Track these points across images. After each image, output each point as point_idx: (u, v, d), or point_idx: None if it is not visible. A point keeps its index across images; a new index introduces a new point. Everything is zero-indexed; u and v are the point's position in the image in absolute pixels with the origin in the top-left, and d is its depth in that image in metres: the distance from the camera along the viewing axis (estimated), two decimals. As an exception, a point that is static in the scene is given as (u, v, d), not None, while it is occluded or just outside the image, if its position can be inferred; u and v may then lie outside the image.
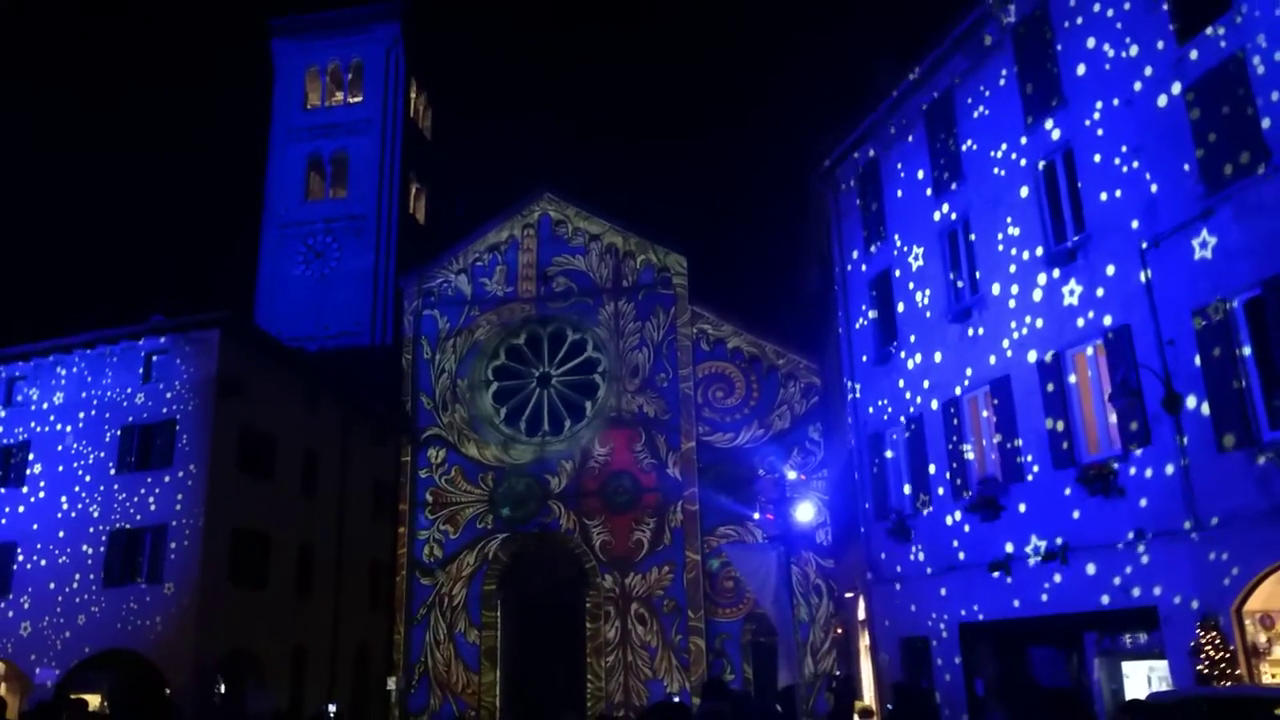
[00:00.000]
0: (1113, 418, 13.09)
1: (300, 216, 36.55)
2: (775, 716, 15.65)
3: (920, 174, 18.01)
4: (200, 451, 22.98)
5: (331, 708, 21.69)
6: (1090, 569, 13.15)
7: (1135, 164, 13.02)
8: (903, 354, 18.16)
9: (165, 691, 20.38)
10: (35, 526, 23.67)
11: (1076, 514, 13.50)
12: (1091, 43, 13.98)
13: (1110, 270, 13.31)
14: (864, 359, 19.75)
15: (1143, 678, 12.71)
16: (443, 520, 31.76)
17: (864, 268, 19.86)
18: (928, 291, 17.52)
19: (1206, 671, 10.78)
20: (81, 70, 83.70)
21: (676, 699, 26.41)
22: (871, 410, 19.34)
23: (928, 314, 17.46)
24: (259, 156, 38.02)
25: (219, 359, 23.62)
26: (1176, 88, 12.45)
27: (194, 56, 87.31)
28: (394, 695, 29.68)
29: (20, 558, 23.53)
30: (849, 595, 23.55)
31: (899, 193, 18.70)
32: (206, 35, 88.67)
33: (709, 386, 31.57)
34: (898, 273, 18.56)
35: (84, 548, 23.10)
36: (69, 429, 24.26)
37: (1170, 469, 12.03)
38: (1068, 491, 13.67)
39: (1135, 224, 12.92)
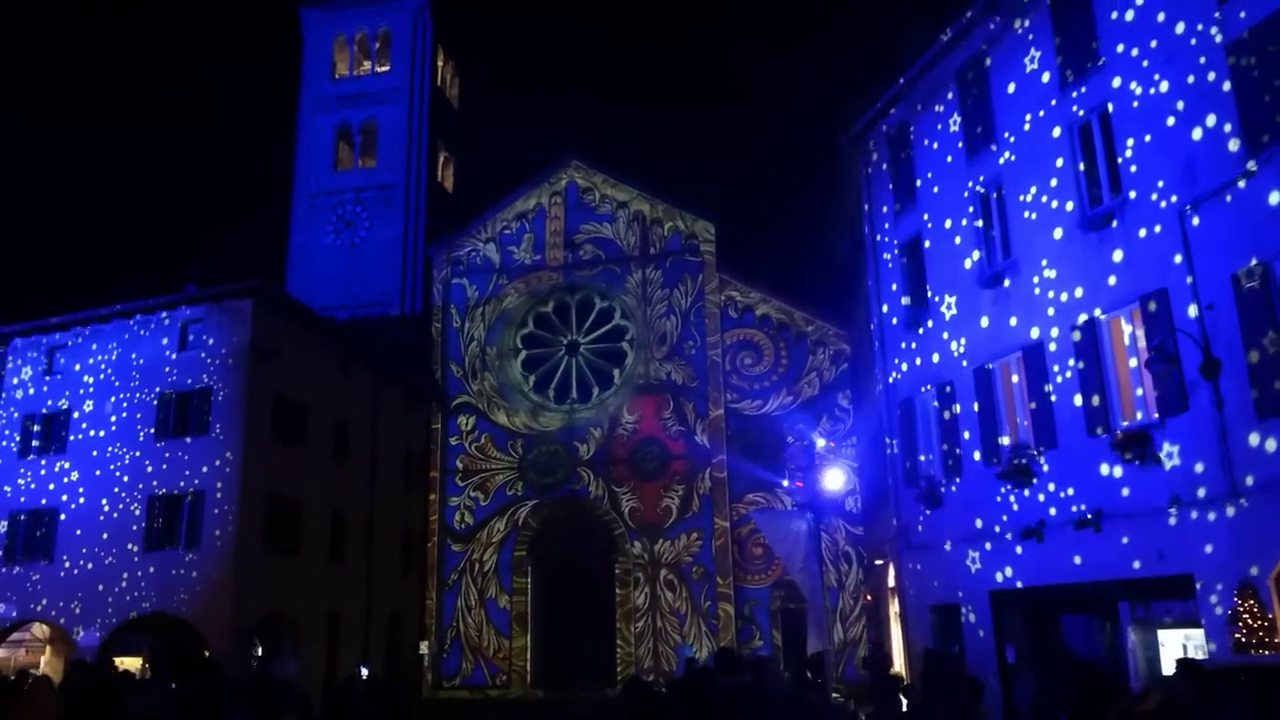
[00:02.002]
0: (1149, 384, 12.85)
1: (330, 186, 36.69)
2: (806, 684, 15.67)
3: (952, 137, 17.66)
4: (235, 419, 23.30)
5: (364, 670, 22.09)
6: (1125, 537, 12.98)
7: (1174, 124, 12.67)
8: (933, 320, 17.93)
9: (205, 654, 20.83)
10: (77, 492, 24.21)
11: (1111, 481, 13.32)
12: (1132, -2, 13.56)
13: (1147, 233, 13.00)
14: (894, 325, 19.54)
15: (1178, 646, 12.57)
16: (473, 487, 32.05)
17: (894, 232, 19.58)
18: (959, 256, 17.25)
19: (1244, 640, 10.63)
20: (114, 42, 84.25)
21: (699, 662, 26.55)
22: (901, 376, 19.16)
23: (959, 279, 17.20)
24: (288, 127, 38.19)
25: (252, 328, 23.88)
26: (1218, 45, 12.05)
27: (224, 27, 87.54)
28: (426, 659, 30.17)
29: (63, 523, 24.09)
30: (879, 562, 23.50)
31: (930, 156, 18.37)
32: (236, 5, 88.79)
33: (737, 354, 31.45)
34: (928, 238, 18.27)
35: (124, 513, 23.57)
36: (108, 397, 24.71)
37: (1208, 435, 11.80)
38: (1102, 458, 13.48)
39: (1173, 185, 12.60)
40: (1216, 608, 11.40)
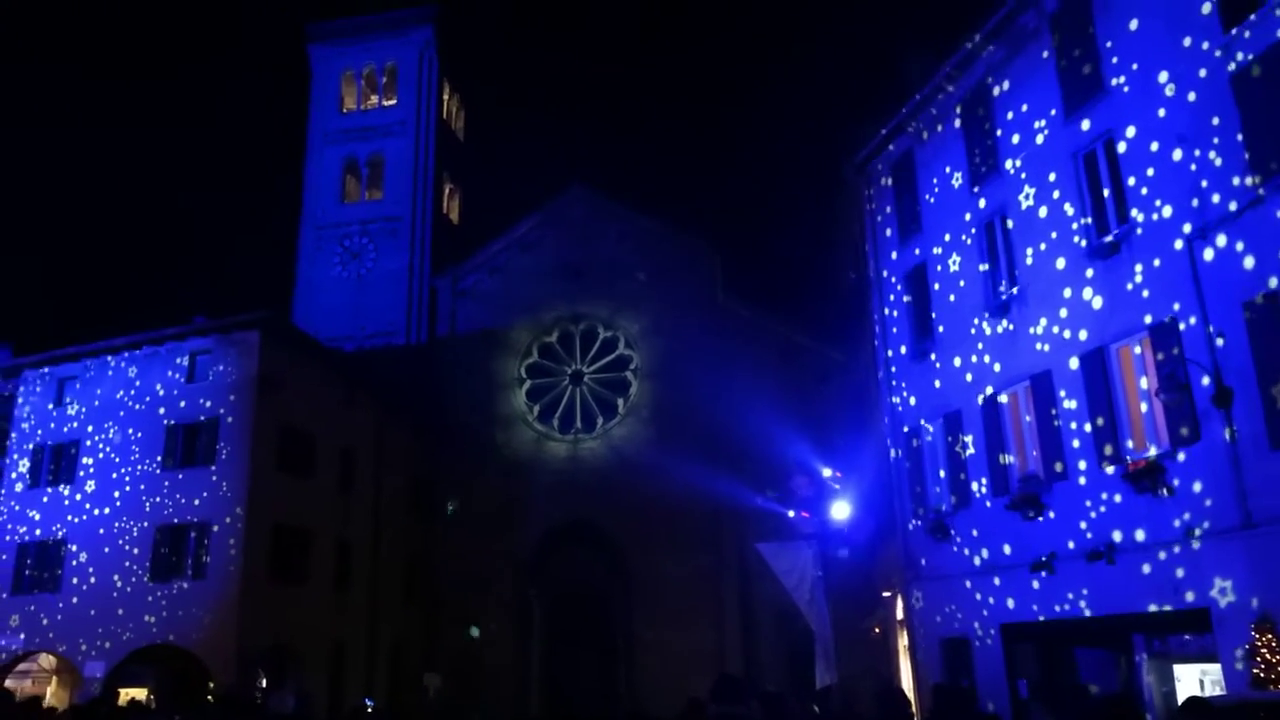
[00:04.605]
0: (1160, 413, 12.75)
1: (337, 218, 36.97)
2: (814, 717, 15.44)
3: (956, 166, 17.67)
4: (242, 449, 23.31)
5: (369, 702, 21.90)
6: (1138, 569, 12.80)
7: (1180, 152, 12.64)
8: (939, 349, 17.85)
9: (209, 685, 20.66)
10: (84, 523, 24.21)
11: (1123, 512, 13.16)
12: (1134, 27, 13.59)
13: (1155, 262, 12.94)
14: (900, 354, 19.46)
15: (1194, 681, 12.37)
16: (477, 516, 31.85)
17: (899, 261, 19.56)
18: (965, 285, 17.20)
19: (1262, 675, 10.42)
20: (125, 73, 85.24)
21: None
22: (908, 406, 19.05)
23: (965, 308, 17.14)
24: (296, 160, 38.52)
25: (259, 359, 23.98)
26: (1223, 73, 12.06)
27: (233, 62, 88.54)
28: (430, 691, 29.84)
29: (71, 554, 24.05)
30: (886, 594, 23.23)
31: (935, 185, 18.38)
32: (245, 41, 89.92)
33: (742, 381, 31.33)
34: (934, 267, 18.23)
35: (131, 544, 23.58)
36: (116, 428, 24.76)
37: (1221, 466, 11.68)
38: (1113, 489, 13.34)
39: (1181, 214, 12.56)
40: (1233, 642, 11.22)
